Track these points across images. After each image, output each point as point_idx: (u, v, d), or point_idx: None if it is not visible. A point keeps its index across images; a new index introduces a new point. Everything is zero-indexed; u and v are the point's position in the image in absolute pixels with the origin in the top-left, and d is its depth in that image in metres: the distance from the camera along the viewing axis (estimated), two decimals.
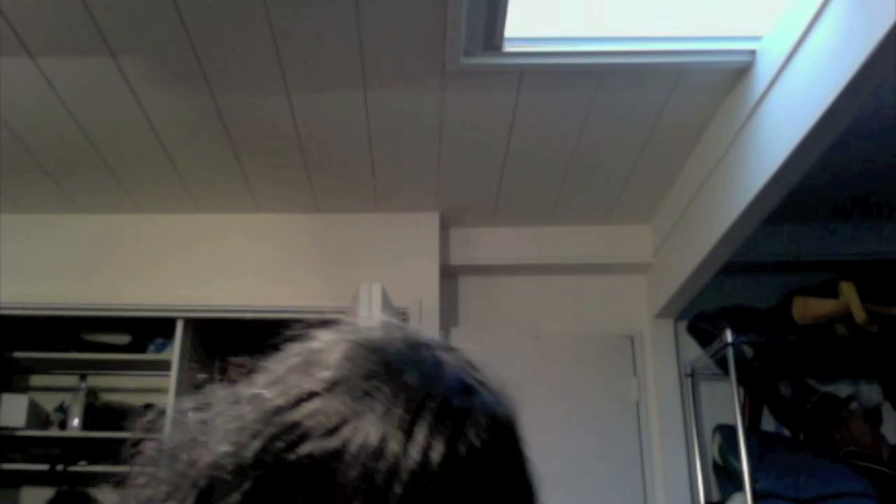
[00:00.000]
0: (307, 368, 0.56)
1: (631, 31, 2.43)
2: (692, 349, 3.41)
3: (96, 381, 3.54)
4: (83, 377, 3.49)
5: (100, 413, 3.39)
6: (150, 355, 3.50)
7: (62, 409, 3.40)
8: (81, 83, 2.61)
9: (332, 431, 0.51)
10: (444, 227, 3.56)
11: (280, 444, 0.51)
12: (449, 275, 3.57)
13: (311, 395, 0.53)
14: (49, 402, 3.46)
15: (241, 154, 3.04)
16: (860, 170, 2.99)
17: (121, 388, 3.58)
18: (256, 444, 0.52)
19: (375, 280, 3.00)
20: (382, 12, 2.28)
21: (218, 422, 0.56)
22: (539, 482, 0.56)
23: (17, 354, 3.38)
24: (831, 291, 3.06)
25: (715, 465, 3.22)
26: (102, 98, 2.68)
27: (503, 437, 0.55)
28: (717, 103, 2.71)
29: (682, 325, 3.47)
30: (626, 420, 3.39)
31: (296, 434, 0.51)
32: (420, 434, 0.50)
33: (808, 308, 3.08)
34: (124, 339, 3.57)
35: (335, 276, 3.32)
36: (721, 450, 3.14)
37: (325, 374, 0.55)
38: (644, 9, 2.36)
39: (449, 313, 3.53)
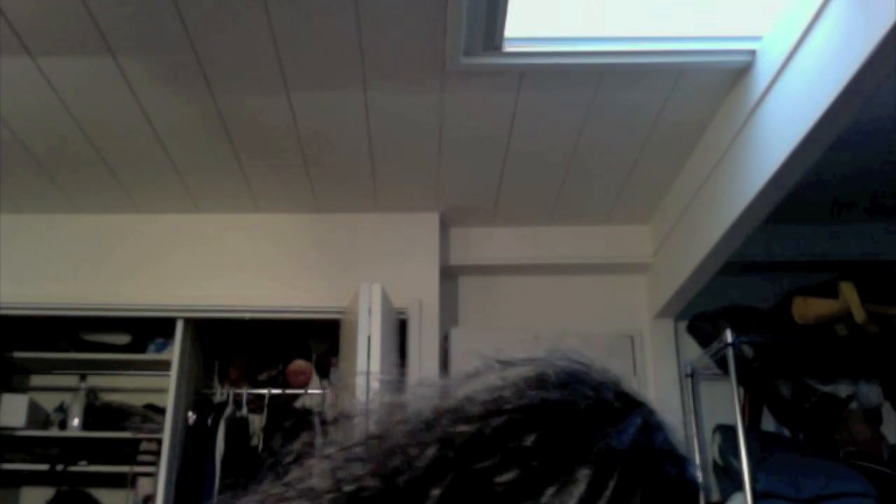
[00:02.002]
0: (515, 382, 0.53)
1: (631, 31, 2.43)
2: (692, 349, 3.41)
3: (96, 381, 3.54)
4: (83, 377, 3.49)
5: (100, 413, 3.39)
6: (150, 355, 3.51)
7: (62, 409, 3.41)
8: (81, 83, 2.61)
9: (531, 472, 0.47)
10: (444, 227, 3.56)
11: (478, 460, 0.47)
12: (449, 275, 3.57)
13: (511, 412, 0.50)
14: (49, 402, 3.47)
15: (241, 154, 3.04)
16: (860, 170, 2.99)
17: (121, 388, 3.59)
18: (449, 443, 0.49)
19: (375, 280, 3.00)
20: (382, 12, 2.28)
21: (417, 408, 0.54)
22: None
23: (17, 354, 3.38)
24: (831, 291, 3.06)
25: (715, 465, 3.22)
26: (102, 98, 2.68)
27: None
28: (717, 103, 2.71)
29: (682, 325, 3.47)
30: None
31: (489, 450, 0.48)
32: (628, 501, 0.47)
33: (808, 308, 3.08)
34: (124, 339, 3.57)
35: (335, 276, 3.32)
36: (721, 450, 3.13)
37: (533, 394, 0.51)
38: (644, 9, 2.36)
39: (449, 313, 3.53)
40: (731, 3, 2.35)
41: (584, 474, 0.47)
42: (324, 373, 3.64)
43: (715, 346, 3.11)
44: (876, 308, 3.00)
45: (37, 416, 3.36)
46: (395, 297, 3.12)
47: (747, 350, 3.12)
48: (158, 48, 2.44)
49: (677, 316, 3.48)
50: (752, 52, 2.47)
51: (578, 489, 0.47)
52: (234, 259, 3.41)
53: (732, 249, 2.85)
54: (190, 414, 3.34)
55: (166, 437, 3.14)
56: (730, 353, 2.98)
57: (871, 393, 3.31)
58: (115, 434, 3.33)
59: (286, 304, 3.30)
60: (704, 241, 2.88)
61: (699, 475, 0.54)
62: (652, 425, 0.54)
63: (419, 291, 3.34)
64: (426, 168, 3.15)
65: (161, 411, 3.28)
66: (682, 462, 0.53)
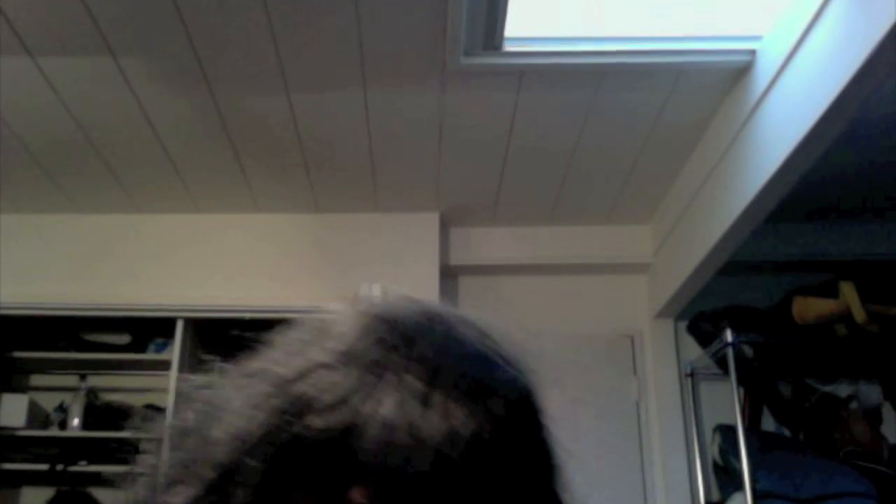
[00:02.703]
0: (318, 341, 0.54)
1: (631, 31, 2.43)
2: (692, 349, 3.40)
3: (96, 381, 3.54)
4: (83, 377, 3.48)
5: (100, 413, 3.39)
6: (150, 355, 3.50)
7: (62, 409, 3.40)
8: (81, 83, 2.61)
9: (343, 402, 0.48)
10: (444, 227, 3.56)
11: (288, 417, 0.49)
12: (449, 275, 3.57)
13: (322, 366, 0.51)
14: (49, 402, 3.46)
15: (241, 154, 3.04)
16: (860, 170, 2.99)
17: (121, 388, 3.58)
18: (265, 418, 0.50)
19: (375, 280, 3.00)
20: (382, 12, 2.28)
21: (226, 398, 0.55)
22: (564, 455, 0.55)
23: (17, 354, 3.38)
24: (831, 291, 3.05)
25: (715, 465, 3.22)
26: (102, 98, 2.68)
27: (523, 407, 0.53)
28: (717, 103, 2.71)
29: (682, 325, 3.47)
30: (626, 420, 3.39)
31: (304, 405, 0.49)
32: (437, 404, 0.48)
33: (808, 308, 3.07)
34: (124, 339, 3.57)
35: (335, 276, 3.32)
36: (721, 450, 3.13)
37: (338, 346, 0.53)
38: (644, 9, 2.36)
39: None
40: (731, 3, 2.35)
41: (387, 390, 0.48)
42: None
43: (715, 346, 3.11)
44: (876, 308, 3.00)
45: (37, 416, 3.35)
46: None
47: (747, 350, 3.12)
48: (158, 48, 2.44)
49: (677, 316, 3.48)
50: (752, 52, 2.47)
51: (389, 405, 0.48)
52: (234, 259, 3.41)
53: (732, 249, 2.85)
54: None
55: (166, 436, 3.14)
56: (730, 353, 2.98)
57: (871, 393, 3.31)
58: (115, 434, 3.33)
59: (286, 304, 3.29)
60: (704, 241, 2.88)
61: (515, 377, 0.54)
62: (458, 337, 0.55)
63: (419, 291, 3.24)
64: (426, 168, 3.15)
65: (161, 411, 3.27)
66: (488, 364, 0.53)
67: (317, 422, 0.48)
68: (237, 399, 0.53)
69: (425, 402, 0.48)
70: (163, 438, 0.59)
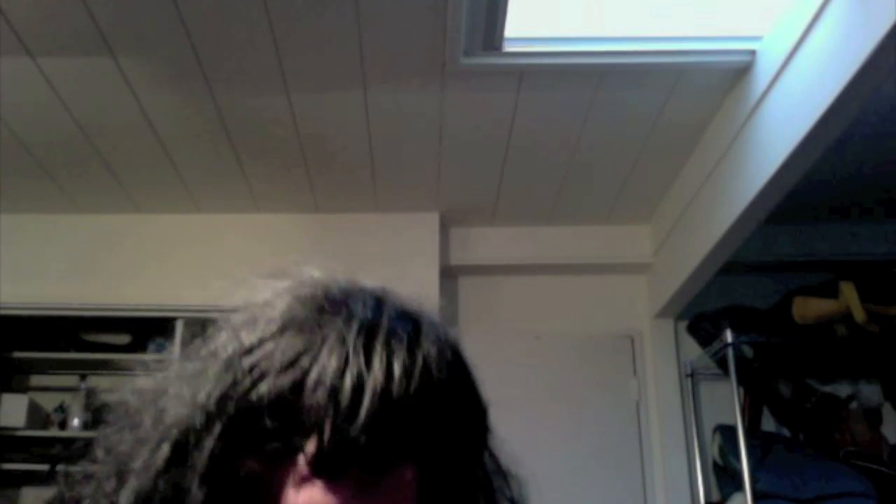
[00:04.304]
0: (256, 320, 0.59)
1: (631, 31, 2.43)
2: (692, 349, 3.40)
3: (96, 381, 3.54)
4: (83, 377, 3.48)
5: (100, 413, 3.39)
6: (150, 355, 3.50)
7: (62, 409, 3.40)
8: (81, 83, 2.61)
9: (289, 365, 0.53)
10: (444, 227, 3.56)
11: (240, 388, 0.53)
12: (449, 275, 3.57)
13: (268, 339, 0.56)
14: (49, 402, 3.46)
15: (241, 154, 3.04)
16: (860, 170, 2.99)
17: (121, 388, 3.58)
18: (218, 392, 0.54)
19: (375, 280, 3.00)
20: (382, 12, 2.28)
21: (179, 380, 0.59)
22: (486, 397, 0.61)
23: (17, 354, 3.38)
24: (831, 291, 3.05)
25: (715, 465, 3.22)
26: (102, 98, 2.68)
27: (452, 352, 0.59)
28: (717, 103, 2.71)
29: (682, 325, 3.47)
30: (626, 420, 3.39)
31: (254, 375, 0.53)
32: (378, 351, 0.53)
33: (808, 308, 3.07)
34: (124, 339, 3.57)
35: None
36: (721, 450, 3.13)
37: (275, 318, 0.58)
38: (644, 9, 2.36)
39: (449, 313, 3.52)
40: (731, 3, 2.35)
41: (329, 346, 0.54)
42: None
43: (715, 346, 3.11)
44: (876, 308, 3.00)
45: (37, 416, 3.36)
46: None
47: (747, 350, 3.12)
48: (158, 48, 2.44)
49: (677, 316, 3.48)
50: (752, 52, 2.47)
51: (334, 358, 0.53)
52: (234, 259, 3.41)
53: (732, 249, 2.85)
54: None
55: None
56: (730, 353, 2.98)
57: (871, 393, 3.31)
58: None
59: None
60: (704, 241, 2.88)
61: (440, 327, 0.61)
62: (383, 298, 0.63)
63: (419, 291, 3.33)
64: (426, 168, 3.15)
65: None
66: (415, 318, 0.60)
67: (264, 387, 0.52)
68: (191, 379, 0.57)
69: (367, 354, 0.53)
70: (115, 419, 0.62)
